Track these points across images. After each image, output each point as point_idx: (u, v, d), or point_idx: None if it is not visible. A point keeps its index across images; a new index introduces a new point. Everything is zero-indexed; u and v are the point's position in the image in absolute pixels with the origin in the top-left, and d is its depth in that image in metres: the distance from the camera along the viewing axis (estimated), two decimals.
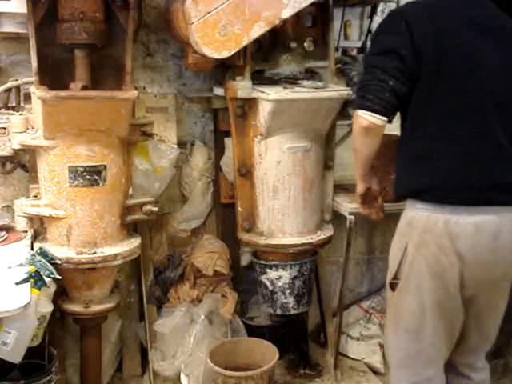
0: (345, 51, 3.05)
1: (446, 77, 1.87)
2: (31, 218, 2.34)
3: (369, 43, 3.08)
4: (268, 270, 2.65)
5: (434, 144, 1.89)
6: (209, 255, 2.86)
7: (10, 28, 2.41)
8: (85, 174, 2.22)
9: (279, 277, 2.64)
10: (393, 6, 3.11)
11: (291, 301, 2.66)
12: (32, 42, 2.22)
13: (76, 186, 2.22)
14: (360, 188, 2.22)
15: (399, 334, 2.06)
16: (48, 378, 2.24)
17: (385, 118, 1.91)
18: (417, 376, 2.07)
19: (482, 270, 1.91)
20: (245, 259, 3.07)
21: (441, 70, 1.86)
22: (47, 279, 2.04)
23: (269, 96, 2.37)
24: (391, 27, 1.95)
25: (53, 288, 2.17)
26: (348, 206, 2.68)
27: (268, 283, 2.67)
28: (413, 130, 1.95)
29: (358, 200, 2.28)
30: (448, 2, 1.96)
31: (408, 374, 2.08)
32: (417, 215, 1.93)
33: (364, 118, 1.91)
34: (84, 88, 2.24)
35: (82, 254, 2.24)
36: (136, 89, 2.36)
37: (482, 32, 1.90)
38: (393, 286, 2.02)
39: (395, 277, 2.01)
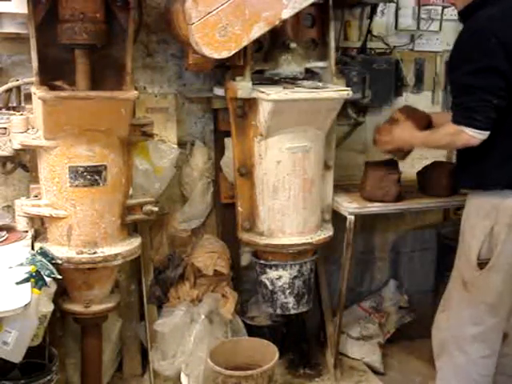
0: (344, 52, 3.06)
1: None
2: (32, 218, 2.34)
3: (369, 44, 3.10)
4: (268, 270, 2.66)
5: None
6: (209, 255, 2.86)
7: (10, 28, 2.41)
8: (85, 174, 2.22)
9: (279, 277, 2.64)
10: (393, 6, 3.12)
11: (291, 301, 2.66)
12: (32, 43, 2.22)
13: (76, 186, 2.23)
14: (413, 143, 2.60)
15: (480, 309, 2.32)
16: (48, 377, 2.24)
17: (489, 132, 2.18)
18: (489, 349, 2.36)
19: None
20: (245, 259, 3.08)
21: None
22: (48, 279, 2.04)
23: (269, 96, 2.38)
24: (482, 45, 2.14)
25: (53, 288, 2.18)
26: (348, 206, 2.69)
27: (268, 283, 2.67)
28: (508, 132, 2.22)
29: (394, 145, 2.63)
30: None
31: (481, 348, 2.35)
32: (505, 201, 2.22)
33: (473, 136, 2.18)
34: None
35: (82, 253, 2.24)
36: (136, 89, 2.36)
37: None
38: (481, 265, 2.27)
39: (479, 256, 2.27)
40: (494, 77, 2.14)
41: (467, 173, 2.37)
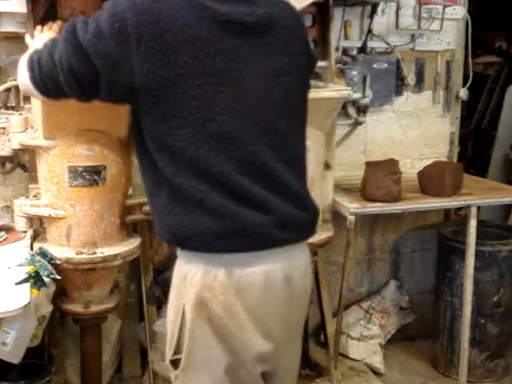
0: (345, 51, 3.05)
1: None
2: (31, 218, 2.33)
3: (369, 43, 3.09)
4: None
5: None
6: None
7: (9, 28, 2.40)
8: (84, 174, 2.21)
9: None
10: (393, 5, 3.11)
11: None
12: None
13: (76, 186, 2.22)
14: None
15: None
16: (47, 378, 2.24)
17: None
18: None
19: (278, 325, 1.54)
20: None
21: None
22: (47, 279, 2.03)
23: None
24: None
25: (52, 288, 2.17)
26: (348, 205, 2.68)
27: None
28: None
29: None
30: None
31: None
32: (192, 269, 1.48)
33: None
34: None
35: (81, 254, 2.23)
36: None
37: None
38: (175, 363, 1.62)
39: (176, 351, 1.61)
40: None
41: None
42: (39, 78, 1.60)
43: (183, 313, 1.52)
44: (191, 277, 1.48)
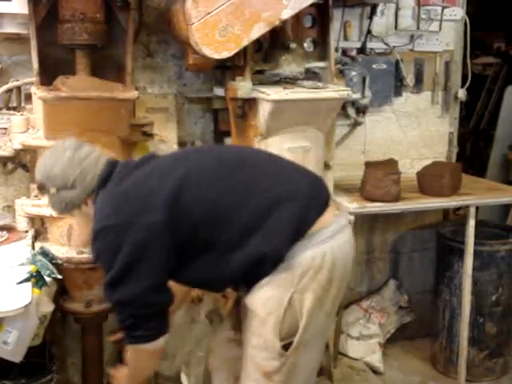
0: (345, 51, 3.06)
1: None
2: (32, 218, 2.34)
3: (368, 44, 3.10)
4: None
5: None
6: None
7: (11, 29, 2.41)
8: None
9: None
10: (392, 6, 3.12)
11: None
12: (33, 43, 2.23)
13: None
14: None
15: None
16: (49, 377, 2.24)
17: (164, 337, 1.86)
18: None
19: None
20: None
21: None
22: (48, 279, 2.04)
23: (269, 96, 2.38)
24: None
25: (53, 287, 2.18)
26: (348, 205, 2.69)
27: None
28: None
29: None
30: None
31: None
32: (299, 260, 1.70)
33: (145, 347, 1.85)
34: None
35: (82, 253, 2.24)
36: (136, 89, 2.36)
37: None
38: (285, 347, 1.73)
39: (283, 337, 1.73)
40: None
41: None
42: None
43: (291, 300, 1.70)
44: (302, 267, 1.69)
